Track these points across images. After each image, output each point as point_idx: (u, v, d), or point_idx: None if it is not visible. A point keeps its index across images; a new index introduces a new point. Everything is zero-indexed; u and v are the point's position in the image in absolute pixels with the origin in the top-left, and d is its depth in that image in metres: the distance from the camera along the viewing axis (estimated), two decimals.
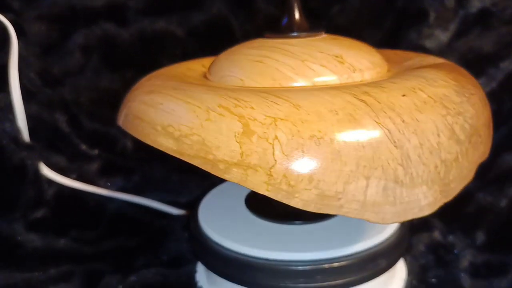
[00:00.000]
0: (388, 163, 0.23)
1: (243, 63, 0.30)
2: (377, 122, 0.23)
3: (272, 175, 0.23)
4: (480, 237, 0.40)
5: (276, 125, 0.23)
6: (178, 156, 0.25)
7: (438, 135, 0.25)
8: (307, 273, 0.29)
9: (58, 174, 0.47)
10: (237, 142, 0.23)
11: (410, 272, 0.36)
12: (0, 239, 0.42)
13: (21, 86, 0.46)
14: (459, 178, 0.26)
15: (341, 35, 0.33)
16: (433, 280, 0.35)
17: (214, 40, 0.53)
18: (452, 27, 0.49)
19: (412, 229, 0.39)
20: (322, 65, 0.29)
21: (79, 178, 0.49)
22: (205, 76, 0.34)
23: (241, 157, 0.23)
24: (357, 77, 0.29)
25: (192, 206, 0.38)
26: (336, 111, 0.24)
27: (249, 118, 0.23)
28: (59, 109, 0.50)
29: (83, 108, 0.51)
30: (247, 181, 0.23)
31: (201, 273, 0.36)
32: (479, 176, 0.47)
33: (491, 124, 0.30)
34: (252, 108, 0.24)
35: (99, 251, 0.43)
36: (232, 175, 0.23)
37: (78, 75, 0.51)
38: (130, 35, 0.52)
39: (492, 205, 0.42)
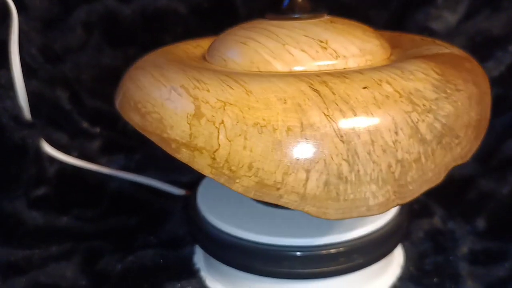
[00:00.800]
0: (332, 158, 0.23)
1: (230, 44, 0.30)
2: (325, 115, 0.23)
3: (215, 159, 0.23)
4: (481, 223, 0.40)
5: (224, 109, 0.23)
6: (141, 132, 0.26)
7: (396, 132, 0.24)
8: (304, 259, 0.29)
9: (60, 152, 0.47)
10: (188, 123, 0.24)
11: (407, 258, 0.36)
12: (2, 217, 0.43)
13: (22, 62, 0.46)
14: (421, 181, 0.24)
15: (346, 16, 0.32)
16: (429, 267, 0.35)
17: (216, 18, 0.52)
18: (461, 8, 0.48)
19: (412, 214, 0.39)
20: (303, 50, 0.28)
21: (81, 156, 0.49)
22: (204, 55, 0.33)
23: (190, 139, 0.24)
24: (339, 65, 0.28)
25: (193, 186, 0.38)
26: (285, 100, 0.23)
27: (202, 101, 0.24)
28: (61, 86, 0.49)
29: (84, 85, 0.51)
30: (194, 162, 0.24)
31: (199, 255, 0.36)
32: (482, 162, 0.47)
33: (482, 125, 0.28)
34: (208, 91, 0.24)
35: (100, 230, 0.44)
36: (181, 155, 0.24)
37: (80, 52, 0.51)
38: (132, 12, 0.51)
39: (494, 191, 0.42)
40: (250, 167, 0.23)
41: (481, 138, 0.28)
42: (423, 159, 0.24)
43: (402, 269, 0.34)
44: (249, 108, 0.23)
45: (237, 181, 0.23)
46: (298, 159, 0.23)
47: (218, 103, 0.24)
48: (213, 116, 0.23)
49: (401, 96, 0.24)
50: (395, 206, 0.24)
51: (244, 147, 0.23)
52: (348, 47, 0.28)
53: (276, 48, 0.28)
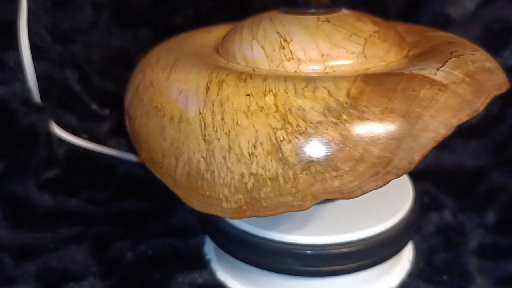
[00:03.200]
0: (194, 153, 0.25)
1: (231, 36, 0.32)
2: (200, 112, 0.25)
3: (132, 133, 0.30)
4: (491, 217, 0.40)
5: (147, 91, 0.29)
6: None
7: (255, 146, 0.23)
8: (315, 257, 0.29)
9: (69, 134, 0.47)
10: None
11: (417, 253, 0.36)
12: (13, 199, 0.43)
13: (31, 43, 0.46)
14: (278, 201, 0.23)
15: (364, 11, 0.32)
16: (439, 263, 0.35)
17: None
18: None
19: (422, 207, 0.39)
20: (263, 47, 0.29)
21: (90, 138, 0.49)
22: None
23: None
24: (289, 67, 0.27)
25: None
26: (180, 91, 0.26)
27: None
28: (70, 67, 0.49)
29: (94, 66, 0.50)
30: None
31: (209, 245, 0.37)
32: (494, 155, 0.46)
33: (396, 165, 0.23)
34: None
35: (109, 213, 0.44)
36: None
37: (89, 32, 0.50)
38: None
39: (505, 185, 0.42)
40: (145, 143, 0.28)
41: (386, 180, 0.23)
42: (281, 180, 0.23)
43: (412, 264, 0.35)
44: (158, 93, 0.28)
45: (139, 153, 0.29)
46: (171, 147, 0.26)
47: (149, 83, 0.29)
48: (142, 94, 0.29)
49: (276, 111, 0.23)
50: (249, 217, 0.24)
51: (145, 124, 0.28)
52: (309, 51, 0.27)
53: (245, 42, 0.29)
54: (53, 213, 0.43)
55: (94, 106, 0.50)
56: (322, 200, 0.23)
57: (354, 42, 0.28)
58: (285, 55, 0.28)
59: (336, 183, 0.23)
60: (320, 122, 0.23)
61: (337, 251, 0.29)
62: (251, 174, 0.23)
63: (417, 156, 0.23)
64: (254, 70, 0.28)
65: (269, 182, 0.23)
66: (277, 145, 0.23)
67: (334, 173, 0.23)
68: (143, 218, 0.42)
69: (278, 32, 0.29)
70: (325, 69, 0.27)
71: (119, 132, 0.50)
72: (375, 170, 0.23)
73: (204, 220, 0.34)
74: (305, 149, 0.23)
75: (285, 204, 0.24)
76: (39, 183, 0.44)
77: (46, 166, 0.45)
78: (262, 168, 0.23)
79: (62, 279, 0.36)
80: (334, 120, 0.23)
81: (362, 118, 0.23)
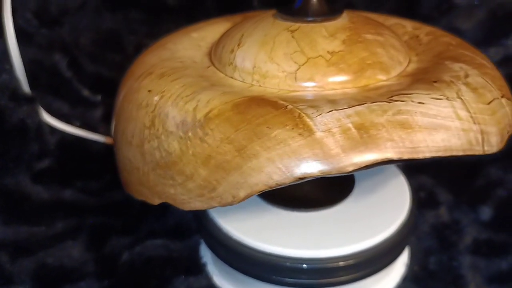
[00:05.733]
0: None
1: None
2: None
3: None
4: (487, 212, 0.40)
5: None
6: None
7: (132, 136, 0.27)
8: (311, 271, 0.29)
9: (61, 122, 0.46)
10: None
11: (412, 255, 0.36)
12: (6, 193, 0.42)
13: (16, 27, 0.44)
14: (140, 190, 0.27)
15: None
16: (434, 266, 0.35)
17: None
18: None
19: (419, 203, 0.39)
20: (224, 46, 0.30)
21: (82, 126, 0.48)
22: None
23: None
24: (227, 72, 0.29)
25: None
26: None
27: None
28: (59, 52, 0.47)
29: (84, 50, 0.48)
30: None
31: (206, 247, 0.37)
32: None
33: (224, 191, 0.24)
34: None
35: (104, 204, 0.44)
36: None
37: (78, 14, 0.48)
38: None
39: (503, 180, 0.42)
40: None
41: (211, 204, 0.24)
42: (140, 172, 0.26)
43: (406, 268, 0.35)
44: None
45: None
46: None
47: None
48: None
49: (153, 111, 0.26)
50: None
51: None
52: (246, 60, 0.28)
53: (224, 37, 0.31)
54: (47, 205, 0.43)
55: (86, 92, 0.48)
56: (164, 201, 0.26)
57: (292, 60, 0.26)
58: (229, 59, 0.28)
59: (172, 191, 0.25)
60: (171, 132, 0.24)
61: (333, 264, 0.29)
62: (129, 159, 0.27)
63: (242, 193, 0.23)
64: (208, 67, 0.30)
65: (135, 171, 0.27)
66: (141, 141, 0.26)
67: (171, 182, 0.25)
68: (137, 207, 0.42)
69: (242, 34, 0.29)
70: (252, 81, 0.27)
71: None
72: (201, 192, 0.24)
73: (200, 227, 0.34)
74: (155, 152, 0.25)
75: (143, 194, 0.27)
76: (32, 174, 0.44)
77: (38, 157, 0.44)
78: (133, 157, 0.27)
79: (58, 278, 0.36)
80: (181, 134, 0.24)
81: (202, 140, 0.23)
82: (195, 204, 0.24)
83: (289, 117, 0.22)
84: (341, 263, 0.29)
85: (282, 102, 0.23)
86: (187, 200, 0.24)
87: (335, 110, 0.23)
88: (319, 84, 0.26)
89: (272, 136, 0.22)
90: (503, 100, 0.26)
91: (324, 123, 0.22)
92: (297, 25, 0.28)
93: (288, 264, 0.29)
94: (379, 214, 0.32)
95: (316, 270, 0.29)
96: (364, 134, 0.22)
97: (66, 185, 0.45)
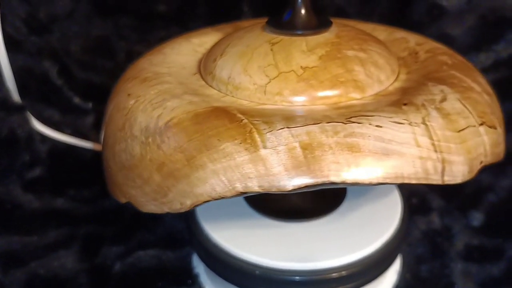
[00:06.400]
0: None
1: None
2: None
3: None
4: (478, 218, 0.40)
5: None
6: None
7: (109, 137, 0.28)
8: (304, 283, 0.29)
9: (52, 130, 0.46)
10: None
11: (404, 263, 0.36)
12: None
13: (5, 35, 0.43)
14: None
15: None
16: (425, 274, 0.35)
17: None
18: None
19: (410, 209, 0.39)
20: (208, 56, 0.31)
21: (74, 133, 0.47)
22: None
23: None
24: (208, 80, 0.29)
25: None
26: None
27: None
28: (49, 59, 0.47)
29: (74, 57, 0.48)
30: None
31: (198, 259, 0.37)
32: None
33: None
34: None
35: (97, 212, 0.44)
36: None
37: (67, 21, 0.47)
38: None
39: (493, 185, 0.42)
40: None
41: (162, 209, 0.25)
42: (112, 172, 0.28)
43: (398, 275, 0.35)
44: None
45: None
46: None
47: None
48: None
49: (126, 114, 0.27)
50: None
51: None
52: (223, 71, 0.28)
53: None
54: (39, 214, 0.43)
55: (77, 100, 0.48)
56: (128, 201, 0.26)
57: (264, 74, 0.26)
58: (211, 68, 0.29)
59: (133, 192, 0.26)
60: (136, 136, 0.25)
61: (326, 276, 0.29)
62: (106, 159, 0.29)
63: (188, 202, 0.23)
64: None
65: (108, 170, 0.28)
66: (114, 142, 0.27)
67: (132, 183, 0.25)
68: (130, 215, 0.42)
69: (228, 44, 0.29)
70: (226, 91, 0.27)
71: None
72: (155, 196, 0.24)
73: (192, 239, 0.34)
74: (122, 154, 0.26)
75: (115, 193, 0.28)
76: (23, 183, 0.43)
77: (29, 166, 0.44)
78: (107, 156, 0.28)
79: None
80: (143, 139, 0.25)
81: (159, 147, 0.24)
82: (151, 207, 0.25)
83: (240, 131, 0.23)
84: (333, 275, 0.29)
85: (239, 115, 0.24)
86: (144, 202, 0.25)
87: (287, 128, 0.22)
88: (287, 99, 0.26)
89: (220, 148, 0.22)
90: (482, 128, 0.25)
91: (272, 140, 0.22)
92: (280, 37, 0.28)
93: (280, 276, 0.29)
94: (371, 224, 0.32)
95: (308, 282, 0.29)
96: (309, 155, 0.22)
97: (58, 194, 0.44)
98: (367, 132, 0.22)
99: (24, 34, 0.45)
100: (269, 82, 0.26)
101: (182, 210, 0.24)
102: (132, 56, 0.48)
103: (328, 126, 0.22)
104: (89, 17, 0.48)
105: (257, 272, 0.29)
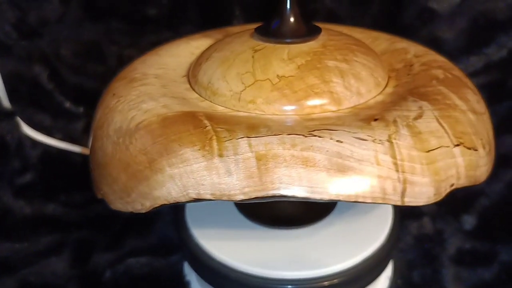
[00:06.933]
0: None
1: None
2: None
3: None
4: (470, 222, 0.40)
5: None
6: None
7: (90, 134, 0.29)
8: None
9: (42, 135, 0.46)
10: None
11: (396, 269, 0.36)
12: None
13: None
14: None
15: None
16: (417, 280, 0.35)
17: None
18: None
19: (402, 214, 0.39)
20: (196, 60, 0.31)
21: (65, 138, 0.47)
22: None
23: None
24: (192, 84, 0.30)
25: None
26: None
27: None
28: (39, 63, 0.46)
29: (65, 61, 0.48)
30: None
31: (189, 266, 0.37)
32: None
33: None
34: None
35: (88, 217, 0.43)
36: None
37: (57, 25, 0.47)
38: None
39: (485, 189, 0.42)
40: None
41: (127, 208, 0.26)
42: (92, 168, 0.28)
43: (390, 281, 0.35)
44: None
45: None
46: None
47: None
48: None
49: (107, 114, 0.27)
50: None
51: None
52: (205, 76, 0.28)
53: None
54: (30, 220, 0.43)
55: (67, 104, 0.48)
56: (102, 197, 0.27)
57: (241, 81, 0.26)
58: (195, 72, 0.29)
59: (105, 189, 0.26)
60: (110, 136, 0.26)
61: (318, 285, 0.29)
62: (90, 155, 0.29)
63: (147, 203, 0.24)
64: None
65: (90, 165, 0.28)
66: (94, 139, 0.28)
67: (104, 181, 0.26)
68: (121, 219, 0.41)
69: (216, 49, 0.29)
70: (205, 96, 0.27)
71: None
72: (121, 195, 0.25)
73: (183, 247, 0.33)
74: (99, 151, 0.26)
75: (94, 188, 0.28)
76: (13, 190, 0.43)
77: (20, 172, 0.44)
78: (90, 153, 0.28)
79: None
80: (115, 139, 0.25)
81: (127, 148, 0.24)
82: (118, 205, 0.25)
83: (201, 138, 0.23)
84: (325, 283, 0.29)
85: (205, 122, 0.24)
86: (113, 200, 0.26)
87: (247, 137, 0.22)
88: (260, 107, 0.25)
89: (179, 153, 0.22)
90: (457, 149, 0.23)
91: (229, 149, 0.22)
92: (264, 45, 0.28)
93: (272, 285, 0.29)
94: (362, 230, 0.32)
95: None
96: (262, 166, 0.21)
97: (49, 199, 0.44)
98: (325, 147, 0.22)
99: (14, 39, 0.45)
100: (244, 90, 0.26)
101: (143, 211, 0.24)
102: (123, 60, 0.48)
103: (287, 138, 0.22)
104: (79, 21, 0.47)
105: (248, 280, 0.29)
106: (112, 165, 0.25)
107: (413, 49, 0.32)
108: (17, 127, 0.42)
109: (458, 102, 0.26)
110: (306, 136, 0.22)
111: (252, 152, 0.22)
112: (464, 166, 0.23)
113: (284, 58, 0.27)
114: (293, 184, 0.21)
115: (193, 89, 0.29)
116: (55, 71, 0.47)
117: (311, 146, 0.22)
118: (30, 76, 0.46)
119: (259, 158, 0.22)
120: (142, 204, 0.24)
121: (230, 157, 0.22)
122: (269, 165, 0.21)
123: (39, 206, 0.44)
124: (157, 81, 0.29)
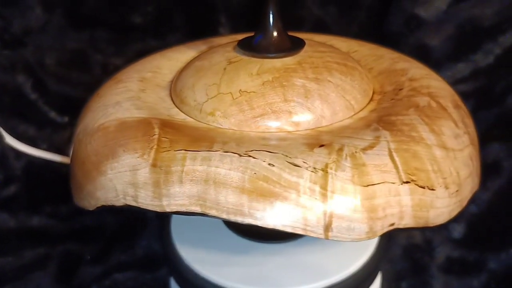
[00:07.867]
0: None
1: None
2: None
3: None
4: (459, 230, 0.40)
5: None
6: None
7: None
8: None
9: (27, 145, 0.45)
10: None
11: (384, 280, 0.36)
12: None
13: None
14: None
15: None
16: None
17: None
18: None
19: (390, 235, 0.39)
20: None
21: (50, 149, 0.46)
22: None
23: None
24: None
25: None
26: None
27: None
28: (23, 73, 0.46)
29: (49, 70, 0.47)
30: None
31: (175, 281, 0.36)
32: None
33: None
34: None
35: (74, 229, 0.43)
36: None
37: (41, 34, 0.46)
38: None
39: (474, 198, 0.42)
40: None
41: (85, 205, 0.26)
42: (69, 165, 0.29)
43: None
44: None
45: None
46: None
47: None
48: None
49: (85, 113, 0.28)
50: None
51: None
52: (177, 86, 0.29)
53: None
54: (14, 234, 0.42)
55: (52, 114, 0.47)
56: None
57: (205, 92, 0.26)
58: (174, 79, 0.30)
59: (72, 183, 0.27)
60: (78, 134, 0.27)
61: None
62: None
63: (92, 202, 0.24)
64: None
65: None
66: (73, 133, 0.28)
67: (72, 176, 0.27)
68: (108, 232, 0.41)
69: (199, 58, 0.30)
70: (175, 103, 0.28)
71: None
72: (77, 190, 0.26)
73: (168, 263, 0.33)
74: (71, 148, 0.27)
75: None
76: None
77: (3, 184, 0.43)
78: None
79: None
80: (81, 137, 0.26)
81: (85, 147, 0.25)
82: (76, 200, 0.27)
83: (144, 146, 0.23)
84: None
85: (156, 130, 0.24)
86: (74, 194, 0.27)
87: (184, 150, 0.22)
88: (218, 120, 0.25)
89: (121, 159, 0.23)
90: (405, 187, 0.21)
91: (164, 159, 0.22)
92: (240, 57, 0.27)
93: None
94: (350, 244, 0.32)
95: None
96: (184, 179, 0.22)
97: (33, 212, 0.44)
98: (254, 169, 0.21)
99: None
100: (206, 101, 0.26)
101: (90, 209, 0.25)
102: (108, 69, 0.48)
103: (220, 155, 0.22)
104: (63, 29, 0.47)
105: None
106: (75, 162, 0.26)
107: (412, 71, 0.30)
108: (0, 138, 0.42)
109: (426, 135, 0.23)
110: (240, 156, 0.22)
111: (182, 165, 0.22)
112: (412, 206, 0.21)
113: (252, 73, 0.26)
114: (206, 201, 0.21)
115: (169, 96, 0.29)
116: (39, 80, 0.46)
117: (240, 167, 0.21)
118: (13, 85, 0.45)
119: (187, 173, 0.22)
120: (89, 202, 0.25)
121: (162, 168, 0.22)
122: (192, 179, 0.21)
123: (23, 219, 0.43)
124: (139, 84, 0.30)
